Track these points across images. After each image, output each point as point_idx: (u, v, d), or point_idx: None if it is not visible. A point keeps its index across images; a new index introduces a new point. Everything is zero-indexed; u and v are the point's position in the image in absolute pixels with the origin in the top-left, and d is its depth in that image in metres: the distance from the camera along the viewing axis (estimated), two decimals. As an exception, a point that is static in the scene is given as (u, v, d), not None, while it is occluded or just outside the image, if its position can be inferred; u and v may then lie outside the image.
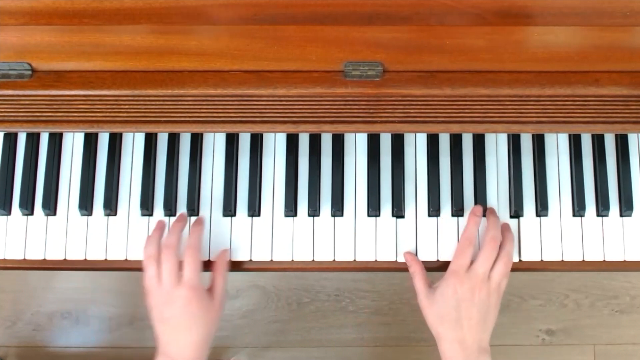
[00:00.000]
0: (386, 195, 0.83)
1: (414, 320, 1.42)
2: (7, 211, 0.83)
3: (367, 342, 1.43)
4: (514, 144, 0.84)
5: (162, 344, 0.75)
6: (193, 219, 0.82)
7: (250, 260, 0.82)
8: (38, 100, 0.77)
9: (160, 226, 0.80)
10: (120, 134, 0.85)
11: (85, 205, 0.83)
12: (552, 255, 0.82)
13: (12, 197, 0.84)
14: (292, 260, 0.82)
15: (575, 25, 0.73)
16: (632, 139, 0.84)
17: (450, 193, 0.83)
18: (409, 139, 0.84)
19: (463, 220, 0.82)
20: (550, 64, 0.75)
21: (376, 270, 0.84)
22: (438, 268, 0.82)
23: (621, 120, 0.76)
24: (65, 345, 1.44)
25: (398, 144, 0.84)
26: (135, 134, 0.85)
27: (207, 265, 0.81)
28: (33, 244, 0.82)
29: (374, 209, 0.82)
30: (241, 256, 0.82)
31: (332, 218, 0.83)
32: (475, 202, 0.82)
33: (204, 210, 0.83)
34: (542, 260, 0.82)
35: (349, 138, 0.84)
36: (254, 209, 0.82)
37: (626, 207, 0.82)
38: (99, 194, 0.83)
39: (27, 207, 0.83)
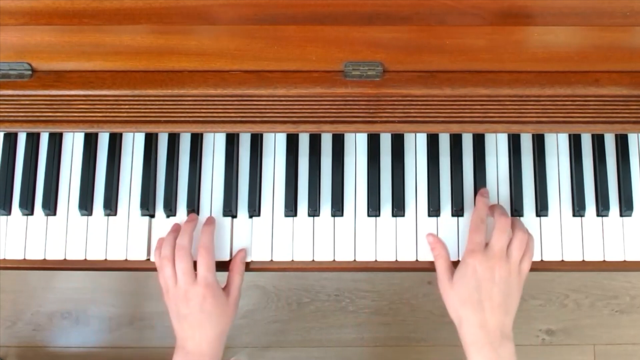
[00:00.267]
0: (386, 195, 0.83)
1: (414, 320, 1.42)
2: (7, 211, 0.83)
3: (367, 342, 1.43)
4: (514, 144, 0.84)
5: (180, 339, 0.78)
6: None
7: (251, 260, 0.82)
8: (38, 100, 0.77)
9: (176, 228, 0.81)
10: (120, 134, 0.85)
11: (85, 205, 0.83)
12: (552, 255, 0.82)
13: (12, 197, 0.84)
14: (292, 260, 0.82)
15: (575, 25, 0.73)
16: (632, 139, 0.84)
17: (450, 193, 0.83)
18: (409, 139, 0.84)
19: (463, 220, 0.82)
20: (550, 64, 0.75)
21: (376, 270, 0.84)
22: (438, 268, 0.82)
23: (621, 120, 0.76)
24: (65, 345, 1.44)
25: (398, 144, 0.84)
26: (135, 134, 0.85)
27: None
28: (33, 244, 0.82)
29: (374, 209, 0.82)
30: (241, 256, 0.82)
31: (332, 218, 0.83)
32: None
33: (204, 210, 0.83)
34: (542, 260, 0.82)
35: (349, 138, 0.84)
36: (254, 209, 0.82)
37: (626, 207, 0.82)
38: (99, 194, 0.83)
39: (27, 207, 0.83)
